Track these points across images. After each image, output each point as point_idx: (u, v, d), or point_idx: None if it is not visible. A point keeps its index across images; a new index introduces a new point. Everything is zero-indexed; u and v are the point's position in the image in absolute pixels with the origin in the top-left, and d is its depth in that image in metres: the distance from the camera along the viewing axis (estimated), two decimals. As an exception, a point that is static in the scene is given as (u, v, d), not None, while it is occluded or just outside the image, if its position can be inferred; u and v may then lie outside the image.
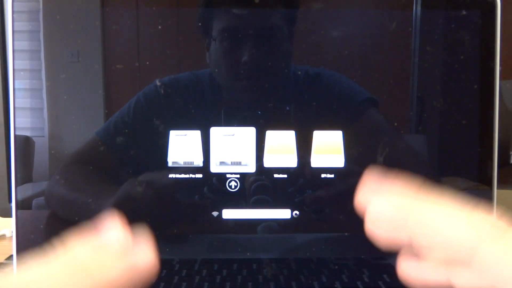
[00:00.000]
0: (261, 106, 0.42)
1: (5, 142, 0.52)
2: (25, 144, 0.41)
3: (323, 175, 0.42)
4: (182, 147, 0.42)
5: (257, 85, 0.42)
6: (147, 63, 0.42)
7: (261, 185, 0.42)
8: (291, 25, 0.42)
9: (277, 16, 0.42)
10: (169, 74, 0.42)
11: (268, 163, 0.42)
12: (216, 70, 0.43)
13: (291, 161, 0.42)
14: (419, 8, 0.42)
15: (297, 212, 0.42)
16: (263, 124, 0.42)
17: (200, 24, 0.42)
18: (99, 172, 0.43)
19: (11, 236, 0.44)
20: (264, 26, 0.41)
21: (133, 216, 0.42)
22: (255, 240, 0.42)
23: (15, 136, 0.40)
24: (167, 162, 0.42)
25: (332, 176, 0.42)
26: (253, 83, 0.42)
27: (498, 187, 0.41)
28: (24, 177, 0.41)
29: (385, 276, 0.41)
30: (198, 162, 0.42)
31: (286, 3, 0.42)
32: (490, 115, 0.40)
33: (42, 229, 0.41)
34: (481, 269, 0.20)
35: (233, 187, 0.42)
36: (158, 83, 0.41)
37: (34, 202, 0.41)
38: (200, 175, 0.42)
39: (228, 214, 0.42)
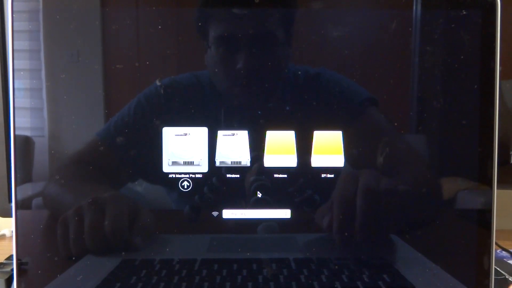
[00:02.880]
0: (261, 106, 0.42)
1: (5, 142, 0.52)
2: (25, 144, 0.41)
3: (323, 175, 0.42)
4: (182, 147, 0.42)
5: (253, 90, 0.42)
6: (147, 63, 0.42)
7: (261, 185, 0.42)
8: (288, 27, 0.42)
9: (272, 20, 0.42)
10: (169, 74, 0.42)
11: (268, 163, 0.42)
12: (213, 73, 0.43)
13: (291, 161, 0.42)
14: (419, 8, 0.42)
15: (297, 212, 0.42)
16: (263, 124, 0.42)
17: (196, 27, 0.42)
18: (99, 172, 0.43)
19: (11, 236, 0.44)
20: (259, 31, 0.41)
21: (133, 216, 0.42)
22: (255, 240, 0.42)
23: (15, 136, 0.40)
24: (167, 162, 0.42)
25: (332, 176, 0.42)
26: (249, 88, 0.42)
27: (498, 187, 0.41)
28: (24, 177, 0.41)
29: (385, 276, 0.42)
30: (198, 162, 0.42)
31: (284, 4, 0.42)
32: (490, 115, 0.40)
33: (42, 229, 0.41)
34: None
35: (233, 187, 0.42)
36: (158, 84, 0.41)
37: (34, 202, 0.41)
38: (200, 175, 0.42)
39: (228, 214, 0.42)
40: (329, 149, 0.42)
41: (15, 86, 0.40)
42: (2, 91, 0.53)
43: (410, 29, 0.42)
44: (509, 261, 0.56)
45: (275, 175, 0.42)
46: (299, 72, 0.43)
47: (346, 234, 0.41)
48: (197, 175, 0.42)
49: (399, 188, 0.41)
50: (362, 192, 0.40)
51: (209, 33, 0.42)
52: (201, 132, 0.42)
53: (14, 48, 0.39)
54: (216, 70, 0.43)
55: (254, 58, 0.41)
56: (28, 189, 0.41)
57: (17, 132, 0.40)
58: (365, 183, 0.40)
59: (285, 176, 0.42)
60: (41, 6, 0.40)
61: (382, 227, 0.41)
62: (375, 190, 0.40)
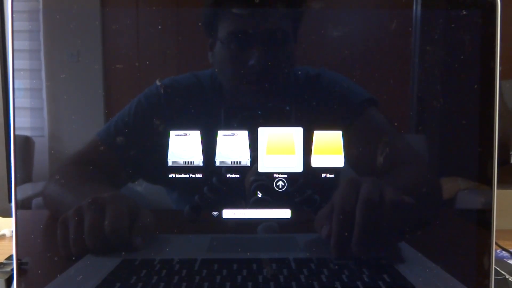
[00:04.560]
0: (262, 106, 0.42)
1: (5, 142, 0.52)
2: (25, 144, 0.41)
3: (323, 175, 0.42)
4: (182, 147, 0.42)
5: (262, 87, 0.42)
6: (147, 63, 0.42)
7: (261, 185, 0.42)
8: (297, 26, 0.42)
9: (284, 18, 0.42)
10: (169, 74, 0.42)
11: (268, 163, 0.42)
12: (220, 71, 0.43)
13: (292, 161, 0.42)
14: (419, 8, 0.42)
15: (297, 212, 0.42)
16: (263, 124, 0.42)
17: (204, 24, 0.42)
18: (100, 172, 0.43)
19: (11, 236, 0.44)
20: (271, 28, 0.41)
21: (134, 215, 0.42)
22: (255, 240, 0.42)
23: (15, 136, 0.40)
24: (167, 162, 0.42)
25: (332, 176, 0.42)
26: (258, 85, 0.42)
27: (498, 187, 0.41)
28: (24, 177, 0.41)
29: (385, 276, 0.42)
30: (198, 162, 0.42)
31: (290, 3, 0.42)
32: (490, 115, 0.40)
33: (42, 229, 0.41)
34: None
35: (233, 187, 0.42)
36: (158, 84, 0.41)
37: (33, 202, 0.41)
38: (200, 175, 0.42)
39: (228, 214, 0.42)
40: (329, 149, 0.42)
41: (15, 86, 0.40)
42: (2, 91, 0.53)
43: (410, 29, 0.42)
44: (509, 261, 0.56)
45: (276, 175, 0.42)
46: (299, 72, 0.43)
47: (345, 245, 0.41)
48: (197, 175, 0.42)
49: (402, 199, 0.41)
50: (363, 206, 0.40)
51: (218, 29, 0.41)
52: (201, 132, 0.42)
53: (14, 48, 0.39)
54: (224, 68, 0.43)
55: (263, 59, 0.41)
56: (28, 189, 0.41)
57: (17, 132, 0.40)
58: (366, 196, 0.40)
59: (285, 176, 0.42)
60: (41, 6, 0.40)
61: (383, 236, 0.41)
62: (376, 202, 0.40)
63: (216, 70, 0.43)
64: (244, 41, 0.41)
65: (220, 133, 0.42)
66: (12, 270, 0.45)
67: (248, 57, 0.41)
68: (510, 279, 0.48)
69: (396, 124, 0.43)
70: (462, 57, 0.42)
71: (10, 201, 0.53)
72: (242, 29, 0.41)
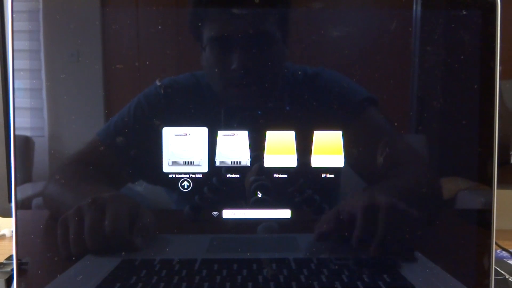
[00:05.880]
0: (261, 106, 0.42)
1: (5, 142, 0.52)
2: (25, 144, 0.41)
3: (323, 175, 0.42)
4: (182, 147, 0.42)
5: (249, 90, 0.42)
6: (147, 63, 0.42)
7: (261, 185, 0.42)
8: (284, 27, 0.42)
9: (265, 19, 0.41)
10: (169, 74, 0.42)
11: (268, 163, 0.42)
12: (209, 75, 0.43)
13: (291, 161, 0.42)
14: (419, 8, 0.42)
15: (297, 212, 0.42)
16: (263, 124, 0.42)
17: (192, 28, 0.42)
18: (100, 172, 0.43)
19: (11, 236, 0.44)
20: (252, 31, 0.41)
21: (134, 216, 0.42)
22: (255, 240, 0.42)
23: (15, 136, 0.40)
24: (167, 162, 0.42)
25: (332, 176, 0.42)
26: (245, 89, 0.42)
27: (498, 187, 0.41)
28: (24, 177, 0.41)
29: (385, 276, 0.42)
30: (198, 162, 0.42)
31: (282, 3, 0.42)
32: (490, 115, 0.40)
33: (42, 229, 0.41)
34: None
35: (233, 187, 0.42)
36: (158, 84, 0.41)
37: (34, 202, 0.41)
38: (200, 175, 0.42)
39: (228, 214, 0.42)
40: (329, 149, 0.42)
41: (15, 86, 0.40)
42: (2, 91, 0.53)
43: (410, 29, 0.42)
44: (509, 261, 0.56)
45: (275, 175, 0.42)
46: (299, 72, 0.43)
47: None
48: (197, 175, 0.42)
49: (407, 209, 0.41)
50: (367, 212, 0.41)
51: (203, 34, 0.42)
52: (201, 132, 0.42)
53: (14, 48, 0.39)
54: (211, 71, 0.43)
55: (248, 58, 0.41)
56: (28, 189, 0.41)
57: (17, 132, 0.40)
58: (370, 203, 0.41)
59: (285, 176, 0.42)
60: (41, 6, 0.40)
61: (386, 240, 0.42)
62: (379, 209, 0.41)
63: (210, 74, 0.43)
64: (224, 46, 0.41)
65: (220, 133, 0.42)
66: (12, 270, 0.45)
67: (229, 62, 0.41)
68: (510, 279, 0.48)
69: (396, 124, 0.43)
70: (462, 57, 0.42)
71: (10, 201, 0.53)
72: (223, 33, 0.41)
